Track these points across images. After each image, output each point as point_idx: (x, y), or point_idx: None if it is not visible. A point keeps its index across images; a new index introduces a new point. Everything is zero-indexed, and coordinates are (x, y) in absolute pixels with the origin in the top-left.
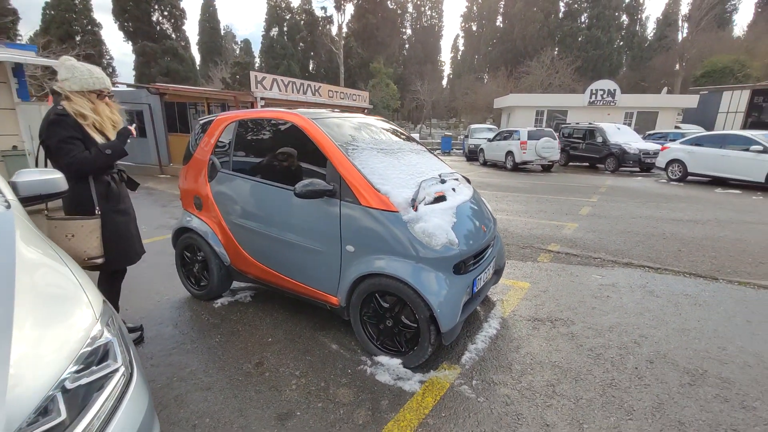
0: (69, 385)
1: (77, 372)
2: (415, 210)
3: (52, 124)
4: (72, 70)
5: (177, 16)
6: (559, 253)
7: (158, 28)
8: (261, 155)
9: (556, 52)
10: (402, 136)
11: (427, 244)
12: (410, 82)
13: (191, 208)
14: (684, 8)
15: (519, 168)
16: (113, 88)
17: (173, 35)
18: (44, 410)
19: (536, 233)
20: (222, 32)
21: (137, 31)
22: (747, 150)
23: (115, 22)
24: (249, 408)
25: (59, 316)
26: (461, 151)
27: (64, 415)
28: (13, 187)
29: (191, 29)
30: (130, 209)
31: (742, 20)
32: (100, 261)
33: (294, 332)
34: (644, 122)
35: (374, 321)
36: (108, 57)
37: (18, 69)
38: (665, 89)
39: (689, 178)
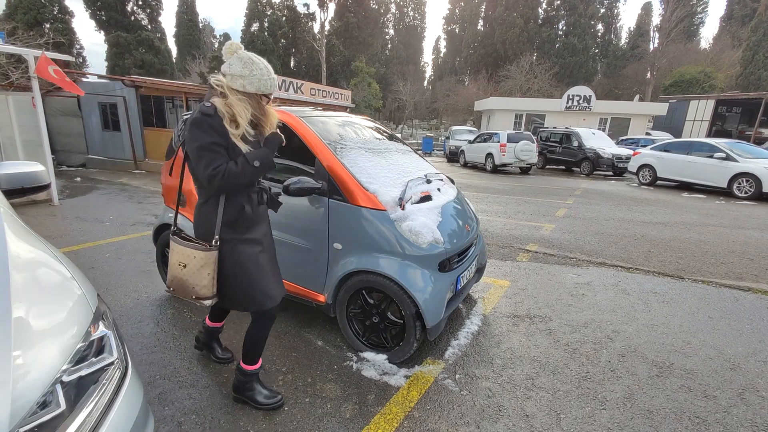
0: (67, 378)
1: (75, 364)
2: (403, 209)
3: (194, 126)
4: (250, 66)
5: (153, 7)
6: (537, 253)
7: (133, 18)
8: None
9: (534, 58)
10: (388, 136)
11: (414, 242)
12: (392, 82)
13: (173, 205)
14: (655, 19)
15: (498, 170)
16: (96, 80)
17: (149, 26)
18: (43, 402)
19: (515, 233)
20: (200, 25)
21: (110, 21)
22: (711, 157)
23: (87, 10)
24: (236, 404)
25: (56, 311)
26: (442, 152)
27: (63, 406)
28: None
29: (168, 21)
30: (266, 238)
31: (708, 33)
32: (207, 303)
33: (279, 329)
34: (617, 128)
35: (360, 317)
36: (78, 46)
37: None
38: (637, 97)
39: (658, 182)
